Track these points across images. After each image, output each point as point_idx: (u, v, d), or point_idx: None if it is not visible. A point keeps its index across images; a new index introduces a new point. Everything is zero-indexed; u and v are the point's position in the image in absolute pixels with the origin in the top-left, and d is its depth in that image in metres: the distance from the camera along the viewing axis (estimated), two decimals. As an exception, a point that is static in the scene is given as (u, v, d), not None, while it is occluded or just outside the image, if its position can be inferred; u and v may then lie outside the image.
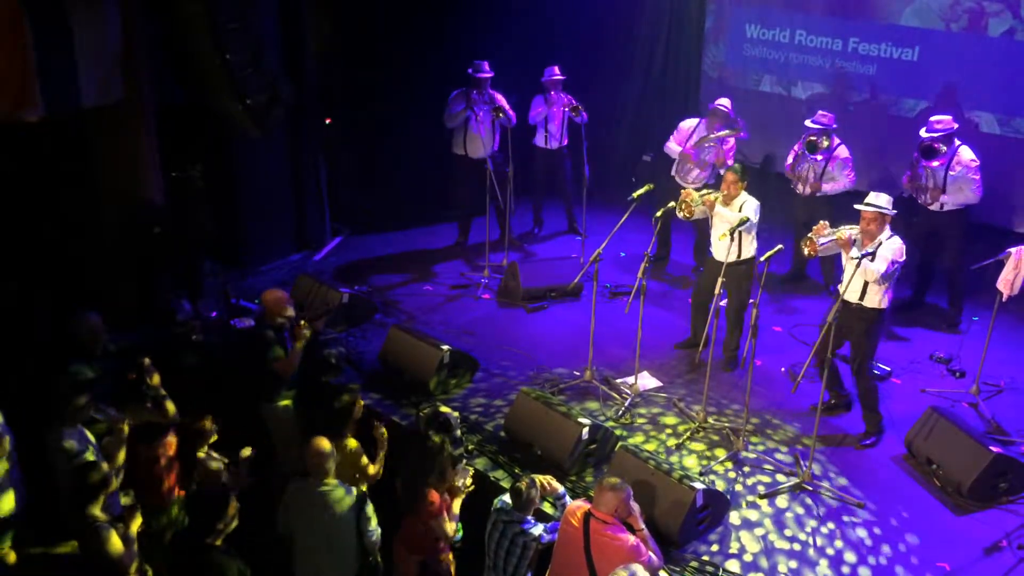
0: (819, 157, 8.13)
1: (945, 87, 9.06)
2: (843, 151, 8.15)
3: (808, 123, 8.21)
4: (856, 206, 6.15)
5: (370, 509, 4.72)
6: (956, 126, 7.63)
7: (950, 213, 7.67)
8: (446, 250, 9.57)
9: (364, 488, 5.37)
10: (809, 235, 6.17)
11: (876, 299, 6.15)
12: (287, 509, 4.88)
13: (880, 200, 6.06)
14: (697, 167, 8.57)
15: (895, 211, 6.10)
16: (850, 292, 6.19)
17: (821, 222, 6.25)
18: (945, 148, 7.52)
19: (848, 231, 6.12)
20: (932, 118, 7.67)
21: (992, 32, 8.73)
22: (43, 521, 5.39)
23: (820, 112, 8.29)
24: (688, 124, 8.71)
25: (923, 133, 7.62)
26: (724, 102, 8.61)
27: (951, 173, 7.53)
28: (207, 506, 4.31)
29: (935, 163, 7.52)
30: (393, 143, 9.83)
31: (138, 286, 7.56)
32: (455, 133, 9.04)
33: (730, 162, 8.43)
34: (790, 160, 8.42)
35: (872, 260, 5.91)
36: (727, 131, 8.46)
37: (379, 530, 4.79)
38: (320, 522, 4.73)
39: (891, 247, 6.01)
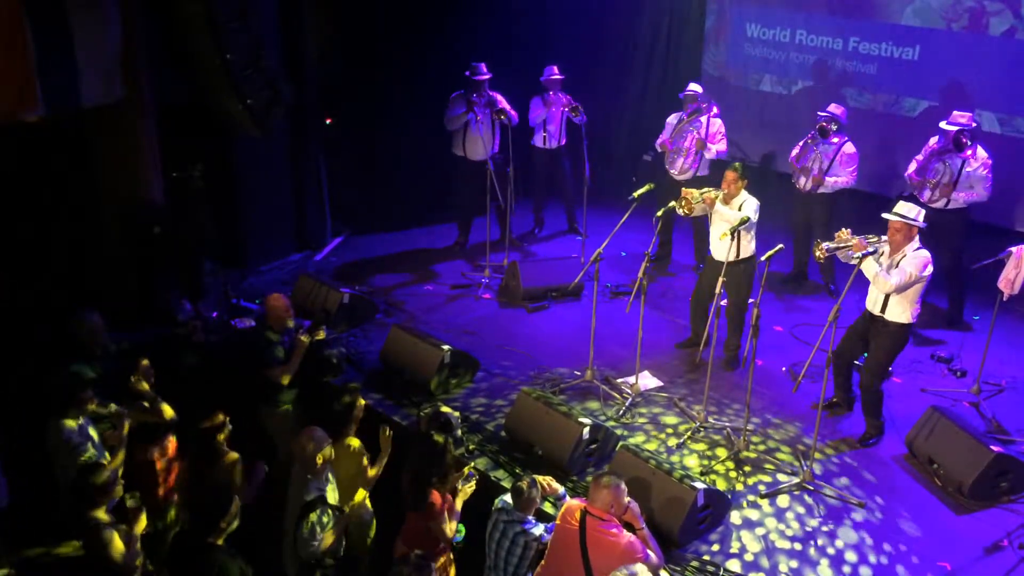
0: (833, 141, 8.08)
1: (946, 86, 9.06)
2: (850, 147, 8.16)
3: (819, 113, 8.22)
4: (884, 215, 6.02)
5: (311, 518, 4.65)
6: (975, 124, 7.65)
7: (953, 211, 7.65)
8: (446, 250, 9.57)
9: (362, 495, 5.38)
10: (834, 242, 6.03)
11: (898, 312, 6.03)
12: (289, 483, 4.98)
13: (908, 211, 5.90)
14: (678, 156, 8.67)
15: (924, 224, 5.95)
16: (871, 303, 6.14)
17: (843, 229, 6.12)
18: (969, 142, 7.53)
19: (871, 239, 5.98)
20: (954, 112, 7.66)
21: (993, 31, 8.73)
22: (43, 520, 5.40)
23: (833, 104, 8.36)
24: (672, 118, 8.83)
25: (945, 126, 7.57)
26: (693, 87, 8.77)
27: (967, 169, 7.51)
28: (210, 504, 4.31)
29: (968, 152, 7.48)
30: (393, 143, 9.83)
31: (138, 286, 7.56)
32: (455, 135, 9.04)
33: (713, 145, 8.47)
34: (795, 152, 8.37)
35: (890, 270, 5.83)
36: (694, 113, 8.58)
37: (317, 542, 4.70)
38: (291, 506, 4.84)
39: (914, 260, 5.86)
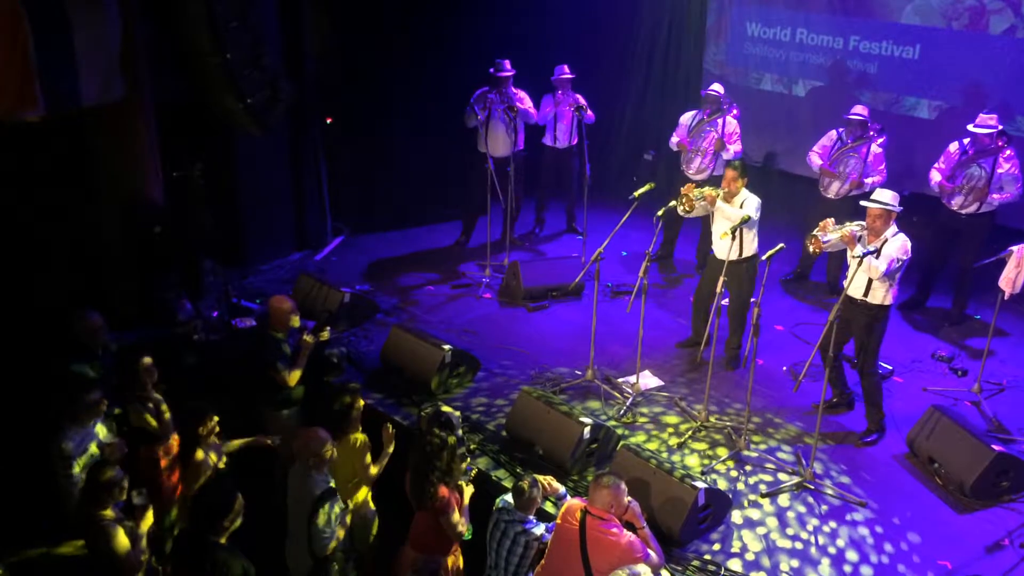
0: (875, 143, 8.08)
1: (946, 85, 9.06)
2: (876, 147, 8.14)
3: (853, 116, 8.18)
4: (862, 202, 6.15)
5: (326, 511, 4.67)
6: (1001, 126, 7.64)
7: (981, 215, 7.64)
8: (447, 249, 9.57)
9: (364, 493, 5.38)
10: (814, 232, 6.12)
11: (880, 295, 6.13)
12: (288, 482, 4.96)
13: (885, 197, 6.03)
14: (696, 155, 8.66)
15: (901, 208, 6.06)
16: (854, 288, 6.18)
17: (827, 219, 6.20)
18: (1005, 143, 7.53)
19: (853, 228, 6.08)
20: (981, 115, 7.62)
21: (993, 30, 8.73)
22: (44, 520, 5.40)
23: (857, 106, 8.33)
24: (685, 117, 8.82)
25: (976, 129, 7.52)
26: (716, 87, 8.77)
27: (998, 170, 7.50)
28: (213, 503, 4.30)
29: (1007, 152, 7.45)
30: (393, 143, 9.83)
31: (138, 286, 7.55)
32: (477, 132, 9.02)
33: (731, 146, 8.46)
34: (818, 161, 8.27)
35: (876, 257, 5.90)
36: (715, 114, 8.58)
37: (333, 538, 4.73)
38: (295, 504, 4.83)
39: (895, 244, 5.97)
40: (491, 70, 8.85)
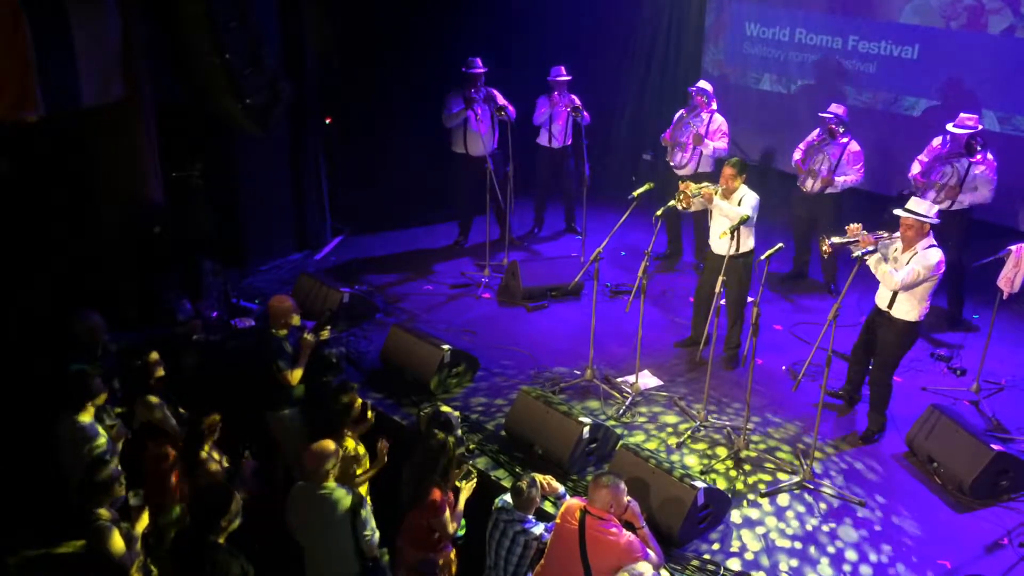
0: (842, 141, 8.11)
1: (945, 85, 9.06)
2: (855, 145, 8.17)
3: (823, 114, 8.22)
4: (896, 211, 6.00)
5: (366, 512, 4.69)
6: (981, 126, 7.63)
7: (956, 212, 7.64)
8: (446, 249, 9.58)
9: (364, 490, 5.38)
10: (844, 238, 6.00)
11: (905, 309, 6.01)
12: (291, 508, 4.89)
13: (920, 207, 5.88)
14: (678, 149, 8.70)
15: (937, 220, 5.93)
16: (879, 297, 6.14)
17: (854, 224, 6.08)
18: (980, 147, 7.51)
19: (880, 235, 5.98)
20: (961, 115, 7.63)
21: (992, 29, 8.73)
22: (46, 520, 5.41)
23: (833, 104, 8.35)
24: (678, 114, 8.85)
25: (953, 129, 7.53)
26: (700, 84, 8.80)
27: (974, 171, 7.48)
28: (211, 503, 4.31)
29: (978, 156, 7.46)
30: (393, 143, 9.83)
31: (138, 286, 7.56)
32: (454, 132, 9.04)
33: (712, 142, 8.48)
34: (798, 156, 8.34)
35: (895, 264, 5.83)
36: (692, 109, 8.63)
37: (377, 533, 4.76)
38: (318, 523, 4.74)
39: (924, 258, 5.83)
40: (463, 68, 8.84)
